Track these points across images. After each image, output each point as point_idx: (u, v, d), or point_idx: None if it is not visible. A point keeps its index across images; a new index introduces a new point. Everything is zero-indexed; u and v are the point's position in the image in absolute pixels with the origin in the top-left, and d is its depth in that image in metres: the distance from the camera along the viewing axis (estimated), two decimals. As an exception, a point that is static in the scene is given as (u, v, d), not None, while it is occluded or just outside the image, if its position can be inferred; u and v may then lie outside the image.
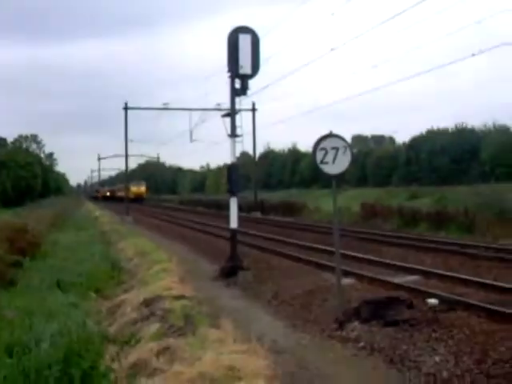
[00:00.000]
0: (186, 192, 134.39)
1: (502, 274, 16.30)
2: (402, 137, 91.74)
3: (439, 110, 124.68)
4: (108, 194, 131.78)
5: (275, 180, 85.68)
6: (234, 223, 18.67)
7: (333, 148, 11.07)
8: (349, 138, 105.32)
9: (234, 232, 18.86)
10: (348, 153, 11.24)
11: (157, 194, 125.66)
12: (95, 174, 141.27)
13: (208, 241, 29.61)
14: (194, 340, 10.83)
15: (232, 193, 18.76)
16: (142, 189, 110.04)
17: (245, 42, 17.94)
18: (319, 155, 11.08)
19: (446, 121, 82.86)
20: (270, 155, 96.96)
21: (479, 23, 20.55)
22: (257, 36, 18.33)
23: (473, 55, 19.92)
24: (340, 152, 11.12)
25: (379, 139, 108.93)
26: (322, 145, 11.09)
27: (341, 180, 11.56)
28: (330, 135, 11.21)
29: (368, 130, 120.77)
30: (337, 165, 11.16)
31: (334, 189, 11.76)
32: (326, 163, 11.11)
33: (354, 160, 72.05)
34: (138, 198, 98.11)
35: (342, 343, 10.62)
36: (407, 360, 9.40)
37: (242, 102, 19.75)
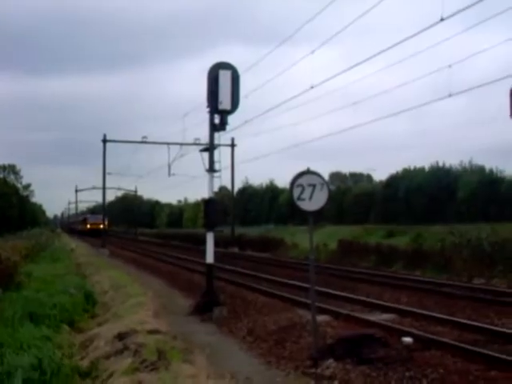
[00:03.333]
0: (163, 226, 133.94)
1: (475, 314, 16.38)
2: (380, 175, 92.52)
3: (416, 150, 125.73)
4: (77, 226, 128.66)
5: (253, 215, 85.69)
6: (210, 258, 18.60)
7: (310, 185, 11.11)
8: (327, 176, 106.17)
9: (210, 267, 18.78)
10: (325, 190, 11.27)
11: (134, 228, 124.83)
12: (72, 205, 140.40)
13: (184, 275, 29.47)
14: (166, 375, 10.74)
15: (209, 227, 18.71)
16: (99, 222, 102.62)
17: (225, 77, 18.03)
18: (296, 192, 11.11)
19: (422, 160, 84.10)
20: (248, 190, 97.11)
21: (450, 67, 20.72)
22: (237, 72, 18.44)
23: (450, 95, 20.12)
24: (317, 189, 11.16)
25: (357, 177, 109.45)
26: (298, 181, 11.12)
27: (318, 217, 11.58)
28: (307, 172, 11.26)
29: (346, 168, 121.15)
30: (314, 202, 11.18)
31: (311, 225, 11.76)
32: (303, 200, 11.13)
33: (332, 197, 72.41)
34: (95, 231, 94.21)
35: (317, 381, 10.53)
36: (381, 399, 9.37)
37: (221, 138, 19.82)
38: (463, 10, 15.62)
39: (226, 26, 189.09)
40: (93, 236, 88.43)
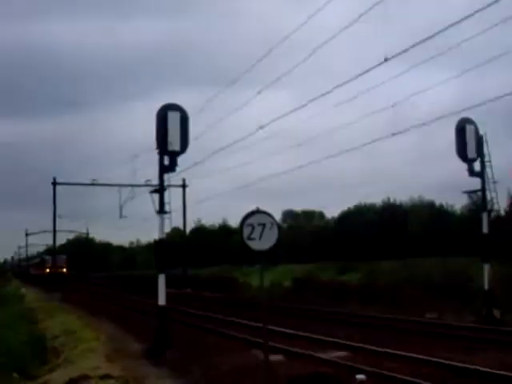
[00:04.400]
0: (116, 268, 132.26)
1: (428, 348, 16.46)
2: (332, 212, 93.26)
3: (368, 187, 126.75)
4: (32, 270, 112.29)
5: (206, 256, 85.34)
6: (162, 300, 18.42)
7: (259, 224, 11.14)
8: (279, 214, 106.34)
9: (162, 309, 18.60)
10: (275, 229, 11.32)
11: (86, 271, 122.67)
12: (23, 250, 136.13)
13: (137, 318, 29.11)
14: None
15: (160, 269, 18.57)
16: (62, 264, 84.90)
17: (173, 119, 18.07)
18: (246, 231, 11.13)
19: (374, 197, 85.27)
20: (201, 231, 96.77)
21: (395, 106, 21.11)
22: (185, 113, 18.49)
23: (393, 134, 20.45)
24: (267, 228, 11.19)
25: (310, 214, 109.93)
26: (248, 221, 11.15)
27: (271, 256, 11.57)
28: (257, 211, 11.29)
29: (299, 206, 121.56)
30: (264, 241, 11.21)
31: (262, 265, 11.77)
32: (253, 239, 11.16)
33: (285, 235, 72.51)
34: (55, 276, 72.33)
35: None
36: None
37: (173, 179, 19.78)
38: (406, 50, 15.96)
39: (176, 68, 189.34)
40: (53, 283, 65.16)
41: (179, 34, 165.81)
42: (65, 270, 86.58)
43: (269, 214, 11.38)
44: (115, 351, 18.99)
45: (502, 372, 12.14)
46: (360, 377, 12.35)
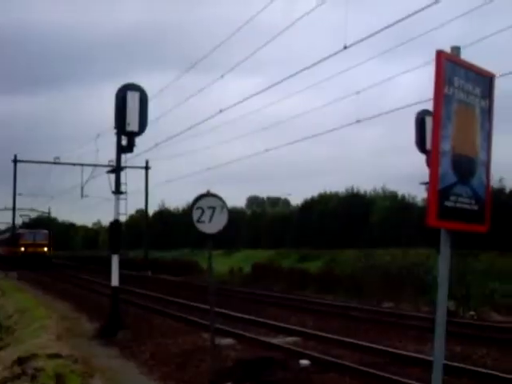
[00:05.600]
0: (78, 248, 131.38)
1: (379, 337, 16.60)
2: (297, 200, 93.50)
3: (334, 176, 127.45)
4: None
5: (169, 239, 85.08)
6: (115, 281, 18.32)
7: (209, 207, 11.10)
8: (244, 200, 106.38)
9: (115, 290, 18.51)
10: (225, 212, 11.28)
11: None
12: None
13: (92, 298, 28.98)
14: (62, 400, 10.53)
15: (113, 250, 18.45)
16: (43, 242, 65.37)
17: (133, 99, 17.83)
18: (196, 214, 11.09)
19: (340, 186, 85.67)
20: (164, 213, 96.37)
21: (358, 94, 21.18)
22: (145, 94, 18.27)
23: (357, 121, 20.53)
24: (217, 211, 11.15)
25: (275, 201, 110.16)
26: (198, 204, 11.11)
27: (218, 240, 11.54)
28: (207, 194, 11.25)
29: (264, 193, 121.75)
30: (213, 224, 11.18)
31: (210, 248, 11.74)
32: (203, 222, 11.12)
33: (248, 221, 72.34)
34: (35, 258, 61.31)
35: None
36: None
37: (137, 160, 19.64)
38: (366, 38, 16.02)
39: (149, 51, 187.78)
40: (31, 268, 56.36)
41: (155, 15, 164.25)
42: (46, 248, 64.75)
43: (219, 198, 11.34)
44: (67, 330, 18.87)
45: (447, 362, 12.26)
46: (304, 362, 12.42)
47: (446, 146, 4.51)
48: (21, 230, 69.58)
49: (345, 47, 16.36)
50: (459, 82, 4.63)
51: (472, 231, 5.02)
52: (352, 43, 16.04)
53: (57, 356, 14.19)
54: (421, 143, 21.75)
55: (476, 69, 4.89)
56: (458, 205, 4.67)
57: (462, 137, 4.66)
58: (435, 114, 4.47)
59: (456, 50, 4.77)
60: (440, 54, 4.46)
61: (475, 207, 4.87)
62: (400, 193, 61.04)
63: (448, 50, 4.66)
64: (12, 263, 61.22)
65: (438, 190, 4.48)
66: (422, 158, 22.74)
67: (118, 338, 17.26)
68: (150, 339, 16.80)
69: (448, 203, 4.58)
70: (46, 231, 68.60)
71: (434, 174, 4.46)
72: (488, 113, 5.02)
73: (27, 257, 61.33)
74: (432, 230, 4.97)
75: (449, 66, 4.53)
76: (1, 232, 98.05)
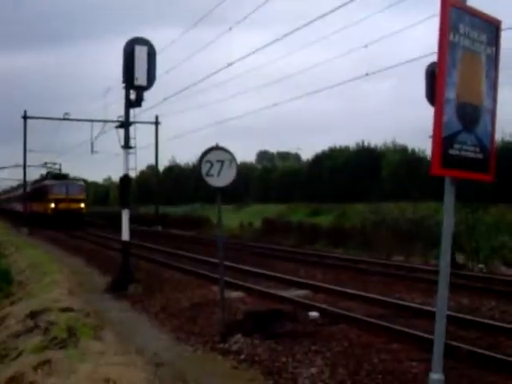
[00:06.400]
0: (89, 204, 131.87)
1: (387, 289, 16.69)
2: (308, 154, 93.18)
3: (345, 130, 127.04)
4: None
5: (179, 194, 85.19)
6: (125, 235, 18.43)
7: (218, 161, 11.09)
8: (254, 155, 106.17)
9: (125, 244, 18.62)
10: (233, 166, 11.27)
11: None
12: None
13: (104, 253, 29.20)
14: (74, 352, 10.65)
15: (123, 204, 18.53)
16: (78, 196, 53.87)
17: (141, 53, 17.72)
18: (204, 168, 11.08)
19: (350, 140, 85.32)
20: (175, 169, 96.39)
21: (366, 47, 21.02)
22: (153, 48, 18.14)
23: (366, 75, 20.35)
24: (225, 165, 11.14)
25: (285, 156, 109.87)
26: (207, 157, 11.09)
27: (227, 194, 11.54)
28: (216, 148, 11.23)
29: (274, 147, 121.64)
30: (222, 178, 11.17)
31: (219, 201, 11.74)
32: (212, 176, 11.12)
33: (258, 176, 72.30)
34: (69, 216, 51.18)
35: (224, 356, 10.58)
36: (285, 372, 9.44)
37: (145, 115, 19.60)
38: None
39: (162, 7, 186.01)
40: (64, 227, 48.57)
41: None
42: (82, 204, 53.64)
43: (228, 151, 11.32)
44: (79, 285, 19.07)
45: (451, 313, 12.33)
46: (313, 314, 12.52)
47: (450, 93, 4.48)
48: (48, 182, 55.61)
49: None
50: (464, 28, 4.58)
51: (477, 180, 5.01)
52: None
53: (69, 310, 14.34)
54: (431, 96, 21.57)
55: (482, 15, 4.82)
56: (463, 153, 4.65)
57: (467, 85, 4.62)
58: (440, 61, 4.43)
59: (462, -5, 4.71)
60: (445, 0, 4.40)
61: (480, 156, 4.85)
62: (410, 147, 60.75)
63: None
64: (39, 222, 52.29)
65: (442, 138, 4.46)
66: (432, 110, 22.63)
67: (128, 291, 17.46)
68: (161, 293, 16.98)
69: (452, 151, 4.56)
70: (81, 183, 56.87)
71: (438, 121, 4.44)
72: (494, 61, 4.96)
73: (59, 215, 50.80)
74: (441, 183, 4.97)
75: (454, 12, 4.47)
76: (13, 188, 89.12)
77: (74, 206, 52.11)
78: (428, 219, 30.03)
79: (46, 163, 68.18)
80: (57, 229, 47.35)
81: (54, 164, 68.98)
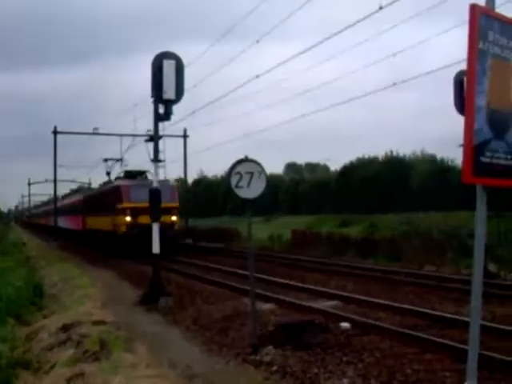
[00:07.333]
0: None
1: (419, 300, 16.58)
2: (336, 165, 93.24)
3: (372, 140, 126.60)
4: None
5: (208, 207, 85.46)
6: (156, 248, 18.50)
7: (247, 173, 11.12)
8: (282, 166, 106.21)
9: (156, 257, 18.70)
10: (263, 178, 11.29)
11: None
12: (26, 199, 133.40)
13: (133, 267, 29.21)
14: (107, 365, 10.72)
15: (154, 218, 18.62)
16: (170, 204, 33.20)
17: (169, 67, 17.87)
18: (234, 179, 11.12)
19: (377, 150, 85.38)
20: (203, 182, 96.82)
21: (395, 55, 21.01)
22: (181, 62, 18.27)
23: (394, 84, 20.31)
24: (255, 177, 11.17)
25: (313, 167, 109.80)
26: (236, 169, 11.13)
27: (257, 205, 11.56)
28: (245, 160, 11.26)
29: (302, 159, 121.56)
30: (251, 189, 11.20)
31: (249, 213, 11.77)
32: (241, 187, 11.15)
33: (287, 188, 72.27)
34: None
35: (256, 367, 10.57)
36: (317, 383, 9.42)
37: (173, 128, 19.70)
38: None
39: (190, 21, 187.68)
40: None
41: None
42: (174, 217, 35.60)
43: (257, 163, 11.35)
44: (110, 298, 19.18)
45: (484, 322, 12.22)
46: (344, 325, 12.48)
47: (480, 101, 4.47)
48: (121, 182, 37.62)
49: (380, 8, 16.17)
50: (494, 35, 4.57)
51: (509, 187, 4.99)
52: (388, 3, 15.80)
53: (101, 322, 14.45)
54: (460, 104, 21.48)
55: (511, 22, 4.81)
56: (494, 160, 4.63)
57: (498, 92, 4.61)
58: (469, 69, 4.42)
59: (491, 2, 4.70)
60: (474, 8, 4.40)
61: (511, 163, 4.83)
62: (439, 156, 60.48)
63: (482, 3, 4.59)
64: (106, 246, 38.07)
65: (473, 146, 4.45)
66: (462, 119, 22.48)
67: (160, 304, 17.51)
68: (192, 305, 17.03)
69: (484, 159, 4.55)
70: (172, 182, 38.41)
71: (468, 129, 4.43)
72: (525, 66, 4.93)
73: (139, 235, 29.80)
74: (471, 193, 4.95)
75: (483, 19, 4.47)
76: (67, 195, 73.36)
77: (164, 218, 27.12)
78: (460, 229, 29.83)
79: (73, 180, 63.72)
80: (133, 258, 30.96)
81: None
